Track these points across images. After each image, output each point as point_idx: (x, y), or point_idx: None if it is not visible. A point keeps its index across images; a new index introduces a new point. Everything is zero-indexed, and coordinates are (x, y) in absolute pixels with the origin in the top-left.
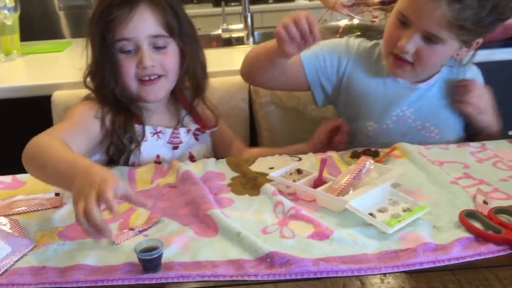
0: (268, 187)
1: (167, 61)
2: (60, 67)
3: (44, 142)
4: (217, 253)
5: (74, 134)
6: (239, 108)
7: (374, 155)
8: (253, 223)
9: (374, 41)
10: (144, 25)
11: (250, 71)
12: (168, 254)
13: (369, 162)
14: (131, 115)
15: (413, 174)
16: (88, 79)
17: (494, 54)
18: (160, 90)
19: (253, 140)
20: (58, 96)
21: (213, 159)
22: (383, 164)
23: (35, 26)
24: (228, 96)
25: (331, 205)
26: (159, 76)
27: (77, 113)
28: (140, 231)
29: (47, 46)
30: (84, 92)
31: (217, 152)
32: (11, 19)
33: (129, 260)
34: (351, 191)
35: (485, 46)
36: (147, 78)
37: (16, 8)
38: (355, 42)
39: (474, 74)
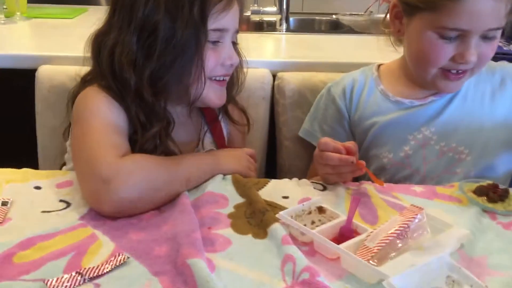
0: (278, 228)
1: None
2: (59, 37)
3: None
4: None
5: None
6: (258, 108)
7: (503, 195)
8: (248, 285)
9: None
10: (235, 19)
11: None
12: None
13: (420, 215)
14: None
15: (475, 230)
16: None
17: None
18: (225, 93)
19: (271, 151)
20: (43, 71)
21: (219, 175)
22: None
23: None
24: (246, 92)
25: (360, 273)
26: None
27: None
28: (91, 278)
29: (57, 11)
30: (72, 69)
31: None
32: None
33: None
34: (392, 256)
35: None
36: (222, 78)
37: None
38: (334, 88)
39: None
